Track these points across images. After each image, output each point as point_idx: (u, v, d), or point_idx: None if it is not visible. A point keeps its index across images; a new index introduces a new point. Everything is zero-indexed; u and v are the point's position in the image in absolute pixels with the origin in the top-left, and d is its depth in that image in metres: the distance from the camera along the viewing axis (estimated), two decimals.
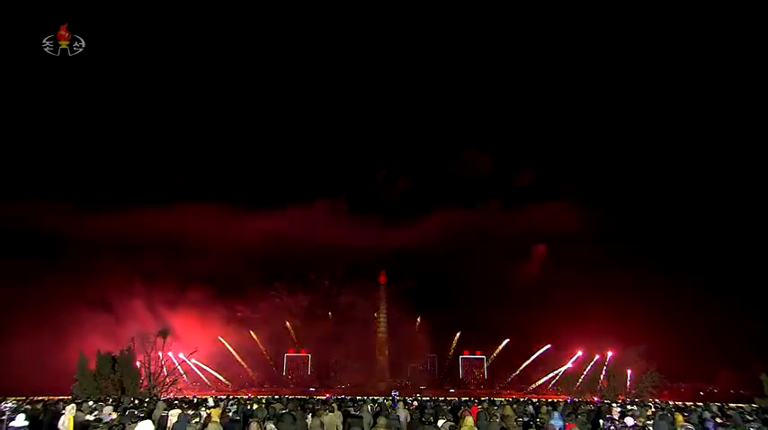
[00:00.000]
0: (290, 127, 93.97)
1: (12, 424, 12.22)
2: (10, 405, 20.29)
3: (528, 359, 64.81)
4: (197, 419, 13.24)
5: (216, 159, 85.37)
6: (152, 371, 40.24)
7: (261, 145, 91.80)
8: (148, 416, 13.80)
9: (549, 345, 62.17)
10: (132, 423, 10.81)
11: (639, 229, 73.73)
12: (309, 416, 14.34)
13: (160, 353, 41.36)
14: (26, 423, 12.22)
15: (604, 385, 47.12)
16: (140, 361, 39.75)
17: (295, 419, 12.72)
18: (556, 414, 13.83)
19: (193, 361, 55.08)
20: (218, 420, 11.83)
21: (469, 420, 11.09)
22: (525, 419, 15.33)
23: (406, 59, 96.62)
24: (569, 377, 54.47)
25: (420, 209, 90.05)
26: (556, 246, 72.89)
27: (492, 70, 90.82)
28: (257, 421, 11.17)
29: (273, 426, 11.93)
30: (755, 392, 35.90)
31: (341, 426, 14.12)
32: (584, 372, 51.88)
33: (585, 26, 78.03)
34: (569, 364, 55.84)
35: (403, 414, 15.62)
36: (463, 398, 31.18)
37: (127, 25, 67.48)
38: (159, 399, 22.22)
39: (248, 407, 17.89)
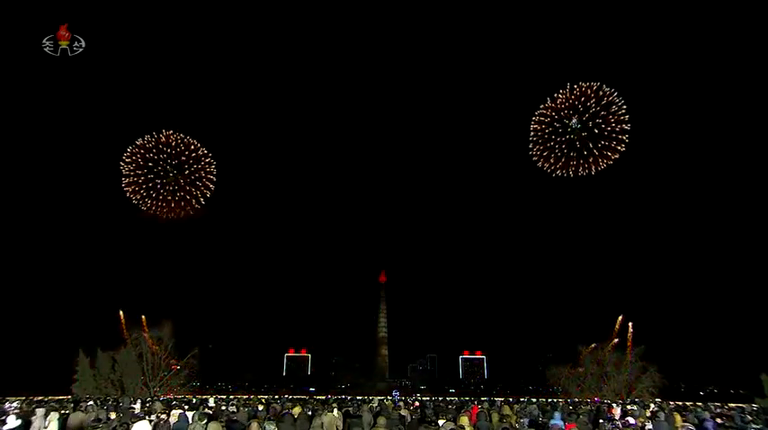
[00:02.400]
0: (291, 130, 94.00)
1: (5, 427, 12.20)
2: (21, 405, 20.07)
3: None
4: (196, 420, 13.13)
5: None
6: (151, 371, 40.28)
7: (261, 148, 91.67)
8: (148, 415, 13.74)
9: (550, 354, 62.34)
10: (132, 422, 10.80)
11: (643, 232, 73.81)
12: (310, 414, 14.25)
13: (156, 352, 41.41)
14: (18, 421, 12.21)
15: (604, 385, 47.08)
16: (139, 361, 39.78)
17: (295, 419, 12.69)
18: (556, 414, 13.80)
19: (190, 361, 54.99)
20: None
21: (464, 419, 11.09)
22: (526, 419, 15.29)
23: (405, 63, 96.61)
24: (570, 377, 54.34)
25: (421, 209, 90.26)
26: (557, 248, 73.19)
27: (489, 70, 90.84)
28: (257, 421, 11.12)
29: (274, 426, 11.86)
30: (755, 392, 35.82)
31: (341, 426, 14.05)
32: (588, 373, 51.69)
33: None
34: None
35: (404, 414, 15.59)
36: (463, 398, 31.13)
37: (128, 25, 67.43)
38: (159, 399, 22.18)
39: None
